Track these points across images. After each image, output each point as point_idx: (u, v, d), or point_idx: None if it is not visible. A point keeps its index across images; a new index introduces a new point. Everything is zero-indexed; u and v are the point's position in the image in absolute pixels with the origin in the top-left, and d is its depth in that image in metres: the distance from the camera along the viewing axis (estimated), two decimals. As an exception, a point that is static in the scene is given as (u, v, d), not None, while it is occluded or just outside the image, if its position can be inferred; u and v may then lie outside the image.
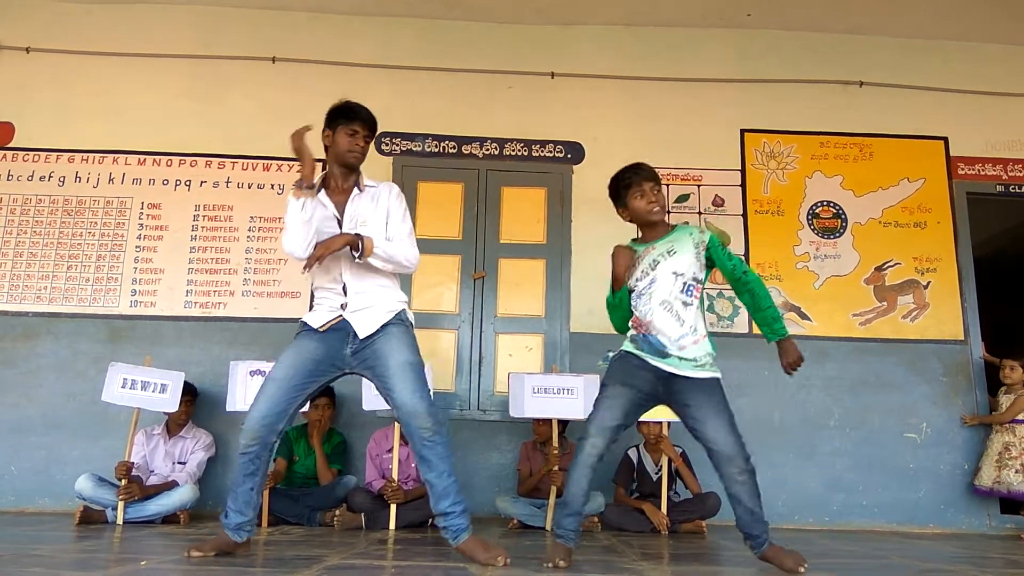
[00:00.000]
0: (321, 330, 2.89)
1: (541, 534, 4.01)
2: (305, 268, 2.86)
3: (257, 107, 5.45)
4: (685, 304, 2.80)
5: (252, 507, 2.82)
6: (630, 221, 3.00)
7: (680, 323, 2.79)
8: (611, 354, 2.95)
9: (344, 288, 2.93)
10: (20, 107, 5.39)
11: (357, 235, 2.87)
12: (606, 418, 2.77)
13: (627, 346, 2.89)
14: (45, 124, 5.36)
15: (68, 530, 3.74)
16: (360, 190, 3.02)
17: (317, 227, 2.87)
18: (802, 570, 2.67)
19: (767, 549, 2.75)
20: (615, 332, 3.07)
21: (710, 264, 2.90)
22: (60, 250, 5.19)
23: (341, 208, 2.98)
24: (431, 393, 2.99)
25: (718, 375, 2.80)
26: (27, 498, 4.79)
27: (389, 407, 2.88)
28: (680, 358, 2.77)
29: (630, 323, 2.92)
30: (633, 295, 2.89)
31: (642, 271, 2.86)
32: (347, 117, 3.00)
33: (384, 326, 2.90)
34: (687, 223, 3.07)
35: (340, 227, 2.93)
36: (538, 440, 4.60)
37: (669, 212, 5.31)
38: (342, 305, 2.91)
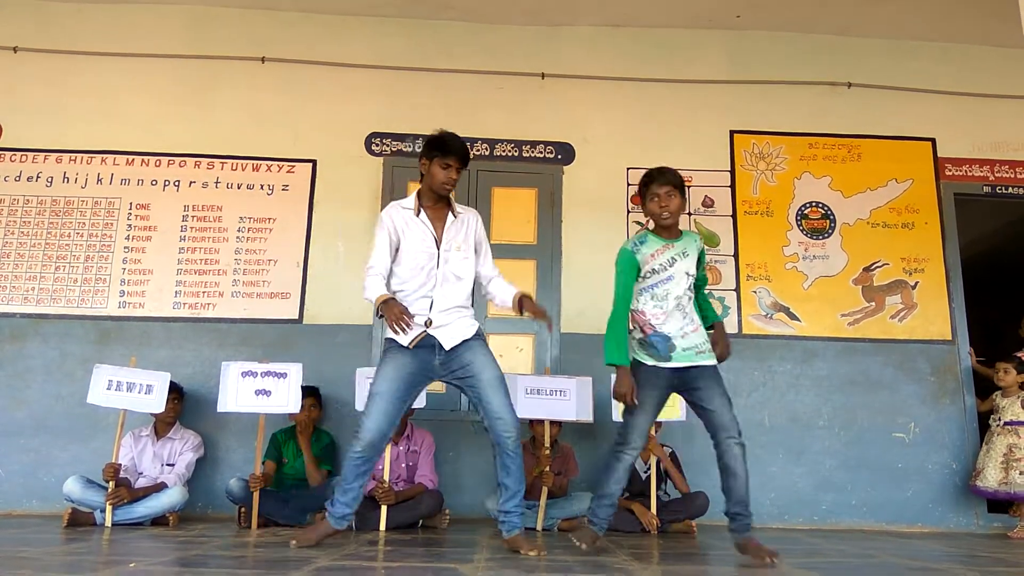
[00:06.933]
0: (410, 347, 3.18)
1: (532, 535, 4.01)
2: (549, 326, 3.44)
3: (247, 107, 5.43)
4: (689, 299, 3.19)
5: (358, 502, 3.24)
6: (647, 216, 3.26)
7: (685, 316, 3.15)
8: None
9: (431, 304, 3.21)
10: (8, 107, 5.35)
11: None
12: (645, 423, 3.13)
13: (639, 355, 3.15)
14: (33, 124, 5.32)
15: (56, 533, 3.72)
16: (455, 216, 3.33)
17: (416, 247, 3.24)
18: (773, 560, 2.90)
19: (747, 536, 2.99)
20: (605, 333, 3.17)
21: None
22: (48, 251, 5.16)
23: (439, 232, 3.29)
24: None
25: (715, 362, 3.16)
26: (15, 501, 4.75)
27: (479, 416, 3.22)
28: (683, 349, 3.10)
29: (635, 323, 3.16)
30: (643, 287, 3.15)
31: (660, 264, 3.14)
32: (443, 151, 3.24)
33: (466, 340, 3.22)
34: (691, 230, 3.38)
35: (438, 249, 3.26)
36: (533, 441, 4.59)
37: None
38: (427, 322, 3.20)
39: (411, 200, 3.32)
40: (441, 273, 3.23)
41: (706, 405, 3.07)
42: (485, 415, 3.16)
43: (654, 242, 3.17)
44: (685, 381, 3.12)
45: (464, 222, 3.35)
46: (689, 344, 3.11)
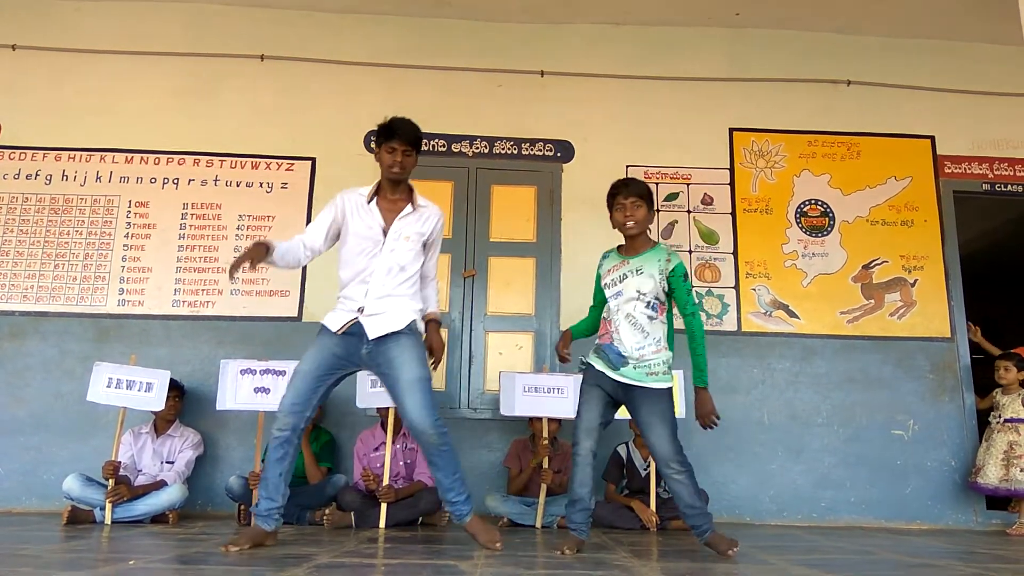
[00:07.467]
0: (338, 333, 3.15)
1: (531, 532, 4.02)
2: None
3: (246, 105, 5.43)
4: (650, 318, 3.14)
5: (280, 493, 3.05)
6: (614, 227, 3.26)
7: (644, 335, 3.12)
8: (582, 360, 3.29)
9: (367, 292, 3.16)
10: (7, 105, 5.35)
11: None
12: (589, 419, 3.15)
13: (591, 357, 3.24)
14: (32, 122, 5.32)
15: (56, 530, 3.72)
16: (413, 208, 3.27)
17: (362, 233, 3.20)
18: (731, 553, 3.02)
19: (709, 536, 3.10)
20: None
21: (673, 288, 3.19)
22: (47, 249, 5.16)
23: (389, 221, 3.23)
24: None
25: (669, 385, 3.13)
26: (14, 498, 4.76)
27: (389, 406, 3.22)
28: (634, 367, 3.10)
29: (600, 331, 3.27)
30: (608, 300, 3.23)
31: (612, 280, 3.21)
32: (387, 135, 3.24)
33: (396, 333, 3.13)
34: (664, 246, 3.27)
35: (384, 237, 3.20)
36: (533, 437, 4.59)
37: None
38: (359, 309, 3.14)
39: (368, 188, 3.31)
40: (383, 261, 3.17)
41: (645, 432, 3.12)
42: (403, 416, 3.11)
43: (613, 258, 3.27)
44: (629, 398, 3.14)
45: (422, 216, 3.29)
46: (642, 365, 3.10)
